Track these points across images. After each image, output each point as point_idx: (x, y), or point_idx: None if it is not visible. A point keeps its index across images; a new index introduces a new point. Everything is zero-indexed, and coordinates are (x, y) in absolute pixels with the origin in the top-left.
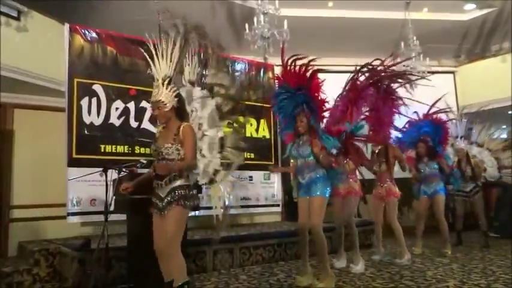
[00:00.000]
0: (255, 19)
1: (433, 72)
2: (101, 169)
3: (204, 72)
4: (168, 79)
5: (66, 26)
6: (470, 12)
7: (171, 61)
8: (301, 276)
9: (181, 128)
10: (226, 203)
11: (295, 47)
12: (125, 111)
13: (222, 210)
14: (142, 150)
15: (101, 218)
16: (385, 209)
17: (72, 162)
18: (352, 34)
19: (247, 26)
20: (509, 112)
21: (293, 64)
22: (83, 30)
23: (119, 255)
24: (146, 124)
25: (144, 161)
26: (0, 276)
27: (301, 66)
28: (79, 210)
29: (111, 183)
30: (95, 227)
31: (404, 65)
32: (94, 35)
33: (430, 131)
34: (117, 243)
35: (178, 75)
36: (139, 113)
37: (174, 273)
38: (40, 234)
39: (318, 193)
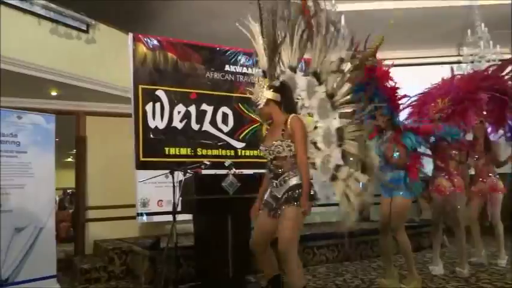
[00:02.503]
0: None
1: (504, 60)
2: (167, 171)
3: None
4: (262, 73)
5: (130, 35)
6: None
7: (272, 52)
8: (386, 279)
9: (288, 121)
10: (355, 203)
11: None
12: (187, 115)
13: (351, 213)
14: (204, 152)
15: (167, 218)
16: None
17: (140, 165)
18: (415, 25)
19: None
20: None
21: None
22: (145, 39)
23: (187, 254)
24: (207, 126)
25: (208, 163)
26: (80, 273)
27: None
28: (147, 211)
29: (178, 184)
30: (162, 227)
31: (472, 55)
32: (155, 42)
33: None
34: (184, 243)
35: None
36: (200, 115)
37: (293, 277)
38: (113, 233)
39: (400, 193)
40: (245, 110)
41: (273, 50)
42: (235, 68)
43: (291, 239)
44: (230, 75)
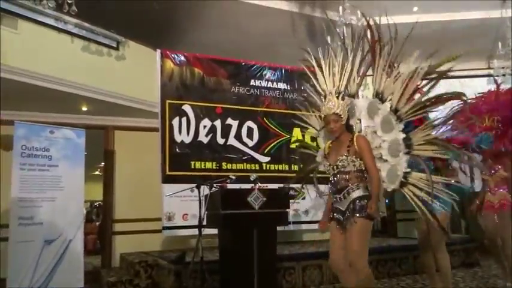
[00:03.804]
0: (337, 30)
1: None
2: (193, 185)
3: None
4: (341, 91)
5: (158, 52)
6: None
7: (341, 74)
8: None
9: (354, 139)
10: (428, 201)
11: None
12: (212, 129)
13: (426, 212)
14: (229, 166)
15: (193, 231)
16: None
17: (166, 179)
18: (442, 38)
19: (329, 38)
20: None
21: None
22: (172, 55)
23: (212, 268)
24: (232, 140)
25: (233, 177)
26: (106, 285)
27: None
28: (173, 225)
29: (203, 198)
30: (186, 241)
31: (503, 67)
32: (182, 58)
33: None
34: (209, 257)
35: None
36: (226, 129)
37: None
38: (138, 247)
39: (444, 208)
40: (270, 125)
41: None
42: (260, 83)
43: (359, 251)
44: (255, 90)
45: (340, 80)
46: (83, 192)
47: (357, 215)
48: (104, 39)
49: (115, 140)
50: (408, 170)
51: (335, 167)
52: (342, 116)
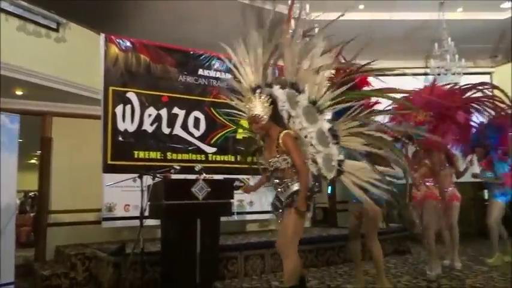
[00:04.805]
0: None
1: (469, 74)
2: (136, 175)
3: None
4: (258, 89)
5: (102, 36)
6: (507, 11)
7: (258, 68)
8: (352, 284)
9: (280, 140)
10: (366, 186)
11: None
12: (158, 118)
13: (367, 198)
14: (174, 156)
15: (135, 223)
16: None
17: (107, 168)
18: (385, 36)
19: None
20: None
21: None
22: (117, 40)
23: (153, 260)
24: (178, 130)
25: (178, 167)
26: (40, 279)
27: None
28: (113, 216)
29: (146, 189)
30: (128, 232)
31: (438, 67)
32: (128, 44)
33: (491, 135)
34: (150, 248)
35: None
36: (172, 119)
37: (285, 275)
38: (76, 239)
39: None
40: (217, 115)
41: (265, 64)
42: (208, 73)
43: (290, 238)
44: (203, 80)
45: (257, 73)
46: (16, 182)
47: (293, 207)
48: (42, 19)
49: (53, 127)
50: (342, 158)
51: (270, 165)
52: (263, 116)
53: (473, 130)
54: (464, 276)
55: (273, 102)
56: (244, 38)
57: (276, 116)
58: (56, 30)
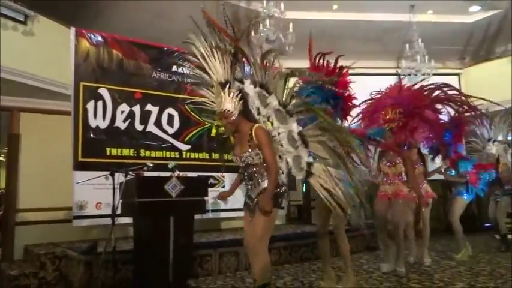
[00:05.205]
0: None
1: (438, 74)
2: (107, 172)
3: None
4: (228, 84)
5: (72, 29)
6: (475, 14)
7: (226, 64)
8: (324, 281)
9: (253, 133)
10: (332, 190)
11: (301, 50)
12: (130, 115)
13: (332, 201)
14: (148, 153)
15: (107, 221)
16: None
17: (78, 166)
18: (358, 36)
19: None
20: None
21: (321, 61)
22: (88, 34)
23: (126, 259)
24: (151, 127)
25: (151, 165)
26: (7, 279)
27: (329, 62)
28: (85, 214)
29: (118, 186)
30: (100, 230)
31: (409, 68)
32: (100, 38)
33: (446, 133)
34: (123, 247)
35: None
36: (145, 116)
37: (257, 273)
38: (46, 238)
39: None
40: (191, 112)
41: (234, 60)
42: (182, 69)
43: (260, 236)
44: (177, 76)
45: (225, 68)
46: None
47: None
48: (9, 11)
49: (21, 123)
50: (311, 161)
51: (242, 161)
52: (233, 111)
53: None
54: (433, 271)
55: (244, 97)
56: (211, 33)
57: (246, 112)
58: (24, 23)
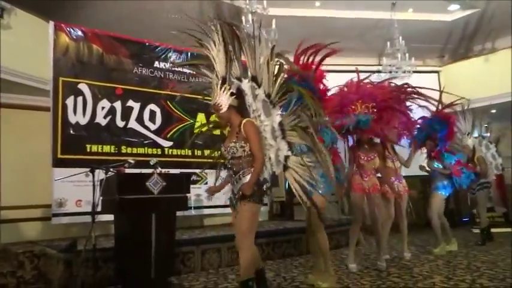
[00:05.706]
0: (243, 18)
1: (418, 72)
2: (88, 169)
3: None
4: (221, 80)
5: (51, 23)
6: (454, 13)
7: (225, 61)
8: (313, 274)
9: (242, 125)
10: (306, 186)
11: (284, 46)
12: (111, 111)
13: (303, 196)
14: (129, 150)
15: (87, 218)
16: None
17: (58, 163)
18: (340, 34)
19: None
20: (493, 111)
21: (304, 56)
22: (68, 29)
23: (106, 256)
24: (133, 123)
25: (132, 161)
26: None
27: (309, 57)
28: (64, 211)
29: (98, 183)
30: (80, 228)
31: (390, 65)
32: (79, 33)
33: (439, 128)
34: (103, 244)
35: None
36: (126, 112)
37: (241, 268)
38: (24, 236)
39: (320, 192)
40: (174, 109)
41: (230, 57)
42: (164, 65)
43: (244, 232)
44: (159, 72)
45: (222, 65)
46: None
47: (246, 199)
48: None
49: None
50: (289, 154)
51: (228, 152)
52: (222, 105)
53: (417, 125)
54: (412, 265)
55: (240, 95)
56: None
57: (241, 108)
58: (1, 16)
